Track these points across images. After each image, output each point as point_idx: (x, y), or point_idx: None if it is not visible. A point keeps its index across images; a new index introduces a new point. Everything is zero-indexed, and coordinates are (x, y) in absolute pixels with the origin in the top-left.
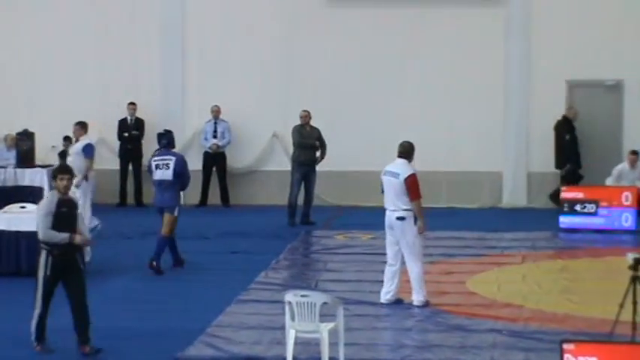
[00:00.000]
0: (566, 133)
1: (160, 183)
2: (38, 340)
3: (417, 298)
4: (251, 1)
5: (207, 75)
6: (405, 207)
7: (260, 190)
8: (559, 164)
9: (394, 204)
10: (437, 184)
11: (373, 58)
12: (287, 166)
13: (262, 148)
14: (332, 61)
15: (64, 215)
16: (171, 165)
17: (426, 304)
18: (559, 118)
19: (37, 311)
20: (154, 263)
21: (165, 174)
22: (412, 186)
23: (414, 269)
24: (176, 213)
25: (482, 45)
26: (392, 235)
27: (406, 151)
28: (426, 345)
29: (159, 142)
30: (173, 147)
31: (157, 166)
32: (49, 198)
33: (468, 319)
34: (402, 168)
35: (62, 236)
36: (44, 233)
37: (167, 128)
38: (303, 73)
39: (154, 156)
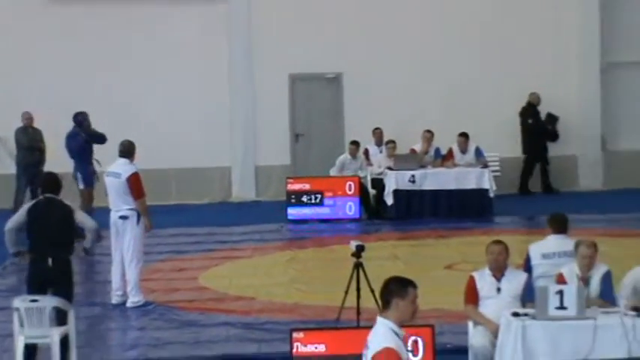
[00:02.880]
0: (529, 118)
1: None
2: None
3: (131, 299)
4: None
5: None
6: (127, 207)
7: None
8: (525, 149)
9: (117, 204)
10: (166, 181)
11: (96, 57)
12: (13, 170)
13: None
14: (55, 60)
15: None
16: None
17: (143, 305)
18: (524, 104)
19: None
20: None
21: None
22: (135, 184)
23: (131, 271)
24: (81, 186)
25: (205, 41)
26: (116, 234)
27: (127, 150)
28: (160, 343)
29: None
30: (79, 126)
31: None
32: None
33: (201, 315)
34: (123, 167)
35: None
36: None
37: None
38: (27, 73)
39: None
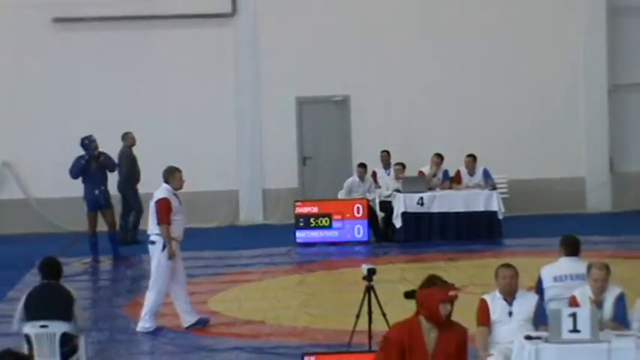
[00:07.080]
0: None
1: None
2: None
3: (142, 324)
4: None
5: None
6: (157, 231)
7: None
8: None
9: (150, 228)
10: None
11: (103, 81)
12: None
13: None
14: (61, 83)
15: None
16: None
17: (152, 332)
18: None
19: None
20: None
21: None
22: (161, 209)
23: (150, 297)
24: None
25: (213, 65)
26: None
27: (163, 176)
28: None
29: None
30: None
31: None
32: None
33: (211, 339)
34: (158, 192)
35: None
36: None
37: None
38: (35, 94)
39: None
